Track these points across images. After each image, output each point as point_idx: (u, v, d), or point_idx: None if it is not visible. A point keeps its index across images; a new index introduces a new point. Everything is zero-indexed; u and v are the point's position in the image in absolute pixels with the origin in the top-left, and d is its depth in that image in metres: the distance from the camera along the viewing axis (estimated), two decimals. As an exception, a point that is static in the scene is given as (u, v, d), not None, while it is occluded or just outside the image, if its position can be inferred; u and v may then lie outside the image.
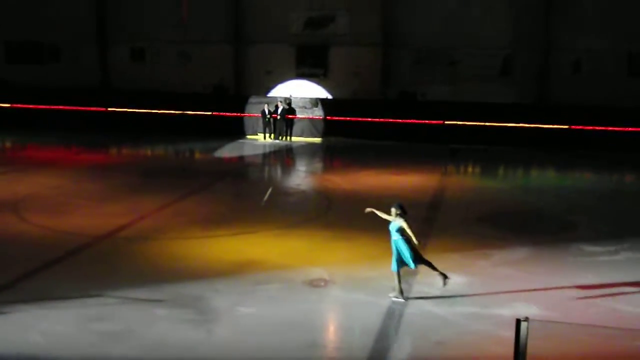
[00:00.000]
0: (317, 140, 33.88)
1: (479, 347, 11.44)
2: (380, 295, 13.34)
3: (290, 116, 33.65)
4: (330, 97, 35.00)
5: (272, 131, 33.72)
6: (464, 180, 25.77)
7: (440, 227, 18.84)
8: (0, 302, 12.70)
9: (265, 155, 30.53)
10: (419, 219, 19.41)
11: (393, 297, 13.20)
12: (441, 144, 31.64)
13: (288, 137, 33.81)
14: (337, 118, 33.98)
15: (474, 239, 17.47)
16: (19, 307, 12.51)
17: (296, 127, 34.27)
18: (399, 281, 13.22)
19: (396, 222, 13.20)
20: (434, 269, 13.51)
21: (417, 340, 11.67)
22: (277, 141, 33.39)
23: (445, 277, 13.50)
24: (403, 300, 13.15)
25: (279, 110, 33.34)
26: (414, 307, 12.91)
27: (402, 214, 13.30)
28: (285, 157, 30.50)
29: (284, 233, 17.86)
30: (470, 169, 28.21)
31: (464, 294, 13.64)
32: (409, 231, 13.06)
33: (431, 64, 34.49)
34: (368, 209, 13.74)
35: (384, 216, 13.45)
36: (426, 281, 14.07)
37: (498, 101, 32.95)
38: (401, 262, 13.23)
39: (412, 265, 13.23)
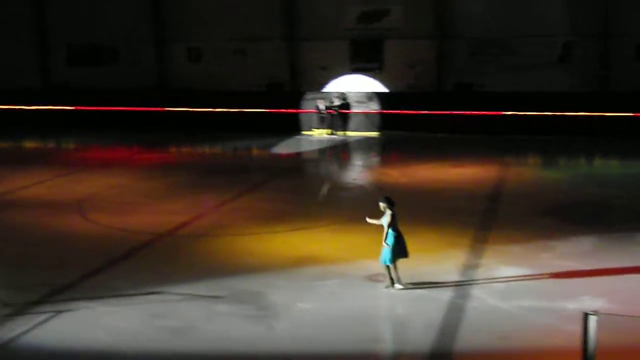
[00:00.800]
0: (374, 134, 33.71)
1: (544, 341, 11.16)
2: (440, 289, 13.15)
3: (345, 111, 33.56)
4: (386, 90, 34.77)
5: (328, 126, 33.69)
6: (525, 171, 25.33)
7: (502, 219, 18.56)
8: (67, 300, 12.89)
9: (321, 151, 30.49)
10: (480, 211, 19.19)
11: (393, 288, 13.17)
12: (500, 135, 31.18)
13: (344, 132, 33.74)
14: (393, 111, 33.77)
15: (537, 230, 17.12)
16: (84, 304, 12.67)
17: (352, 122, 34.18)
18: (391, 271, 13.15)
19: (385, 216, 13.08)
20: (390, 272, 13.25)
21: (481, 334, 11.43)
22: (332, 136, 33.34)
23: (392, 284, 13.21)
24: (401, 286, 13.08)
25: (334, 106, 33.28)
26: (476, 301, 12.69)
27: (390, 207, 13.13)
28: (341, 151, 30.41)
29: (341, 228, 17.77)
30: (530, 160, 27.73)
31: (528, 288, 13.38)
32: (385, 223, 12.98)
33: (488, 54, 33.99)
34: (367, 220, 13.51)
35: (377, 222, 13.25)
36: (488, 275, 13.87)
37: (557, 90, 32.34)
38: (397, 254, 13.09)
39: (386, 261, 13.09)
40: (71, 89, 38.43)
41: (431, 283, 13.55)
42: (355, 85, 35.17)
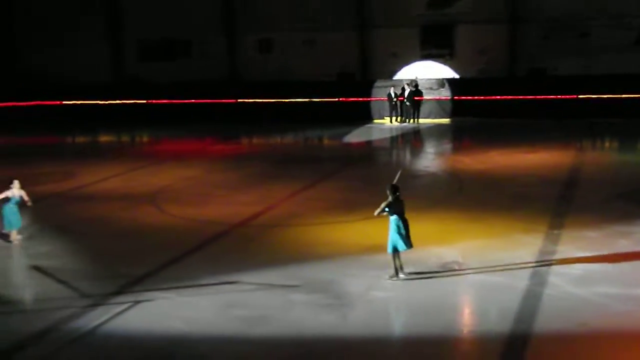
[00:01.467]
0: (445, 121, 33.41)
1: (623, 328, 10.93)
2: (516, 277, 12.95)
3: (417, 98, 33.33)
4: (457, 76, 34.40)
5: (399, 114, 33.51)
6: (601, 156, 24.79)
7: (578, 205, 18.21)
8: (144, 290, 13.16)
9: (393, 139, 30.35)
10: (555, 197, 18.85)
11: (397, 278, 13.09)
12: (574, 119, 30.54)
13: (415, 120, 33.52)
14: (464, 98, 33.40)
15: (615, 216, 16.74)
16: (161, 294, 12.91)
17: (423, 109, 33.94)
18: (395, 260, 13.13)
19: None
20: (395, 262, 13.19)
21: (559, 321, 11.23)
22: (404, 124, 33.16)
23: (397, 274, 13.10)
24: (404, 276, 13.03)
25: (406, 93, 33.08)
26: (553, 288, 12.47)
27: (392, 194, 13.09)
28: (413, 139, 30.23)
29: (415, 216, 17.54)
30: (607, 144, 27.10)
31: (605, 274, 13.09)
32: (379, 209, 13.04)
33: (561, 37, 33.32)
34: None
35: (379, 209, 13.19)
36: (564, 262, 13.62)
37: (634, 72, 31.46)
38: (401, 240, 13.00)
39: (390, 249, 13.08)
40: (144, 83, 39.18)
41: (506, 270, 13.39)
42: (426, 72, 34.89)
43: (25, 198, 16.42)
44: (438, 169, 23.22)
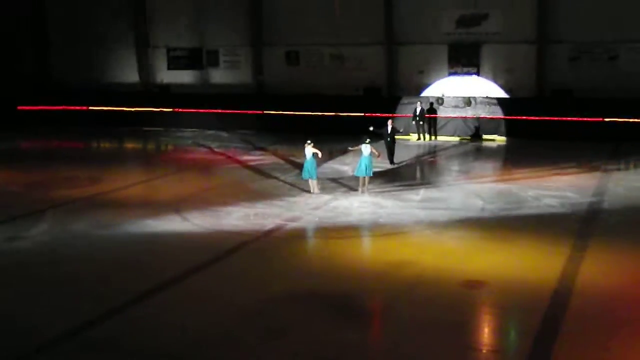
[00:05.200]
0: (471, 139, 33.30)
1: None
2: (538, 299, 12.88)
3: (429, 115, 33.38)
4: (483, 95, 34.31)
5: (424, 131, 33.51)
6: (627, 178, 24.53)
7: (603, 227, 18.16)
8: (167, 299, 13.26)
9: (417, 156, 30.26)
10: (580, 218, 18.75)
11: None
12: (601, 141, 30.33)
13: (433, 137, 33.58)
14: (490, 117, 33.31)
15: (640, 240, 16.63)
16: (180, 303, 13.01)
17: (449, 126, 33.87)
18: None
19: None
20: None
21: (580, 346, 11.17)
22: (419, 141, 33.15)
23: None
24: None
25: (418, 110, 33.02)
26: (575, 311, 12.40)
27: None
28: (434, 157, 30.09)
29: (438, 233, 17.64)
30: (632, 166, 26.84)
31: (632, 298, 12.97)
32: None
33: (589, 59, 33.15)
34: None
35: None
36: (588, 285, 13.52)
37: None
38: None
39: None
40: (172, 92, 39.47)
41: (528, 291, 13.32)
42: (452, 90, 34.84)
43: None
44: (461, 188, 23.12)
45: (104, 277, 14.57)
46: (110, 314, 12.53)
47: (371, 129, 23.69)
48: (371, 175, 22.05)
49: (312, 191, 21.71)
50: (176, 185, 23.88)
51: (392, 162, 26.44)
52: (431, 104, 33.80)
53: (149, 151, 34.92)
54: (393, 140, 26.35)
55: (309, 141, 21.74)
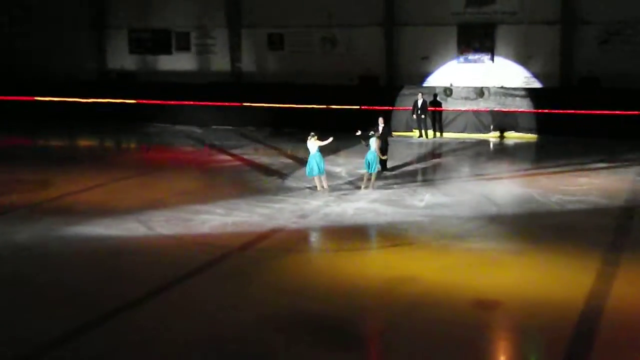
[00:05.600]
0: (484, 136, 33.33)
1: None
2: (563, 323, 12.83)
3: (431, 109, 33.38)
4: (498, 85, 34.35)
5: (426, 127, 33.47)
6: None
7: (637, 239, 18.14)
8: (131, 318, 13.17)
9: (420, 155, 30.21)
10: (610, 228, 18.76)
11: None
12: (635, 138, 30.38)
13: (438, 133, 33.60)
14: (506, 110, 33.33)
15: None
16: (144, 323, 12.92)
17: (458, 121, 33.88)
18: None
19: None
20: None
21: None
22: (420, 139, 33.16)
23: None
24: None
25: (419, 103, 32.99)
26: (606, 335, 12.37)
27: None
28: (440, 156, 30.05)
29: (445, 245, 17.61)
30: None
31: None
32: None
33: (621, 42, 33.19)
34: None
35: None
36: (618, 304, 13.50)
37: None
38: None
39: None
40: (135, 81, 39.38)
41: (551, 311, 13.28)
42: (462, 79, 34.84)
43: None
44: (472, 193, 23.10)
45: (40, 308, 14.26)
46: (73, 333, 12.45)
47: (358, 133, 23.92)
48: (375, 171, 22.95)
49: (318, 189, 22.71)
50: (140, 190, 23.77)
51: (384, 167, 25.46)
52: (435, 95, 33.78)
53: (107, 149, 34.79)
54: (386, 142, 25.73)
55: (312, 133, 22.61)
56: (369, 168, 22.79)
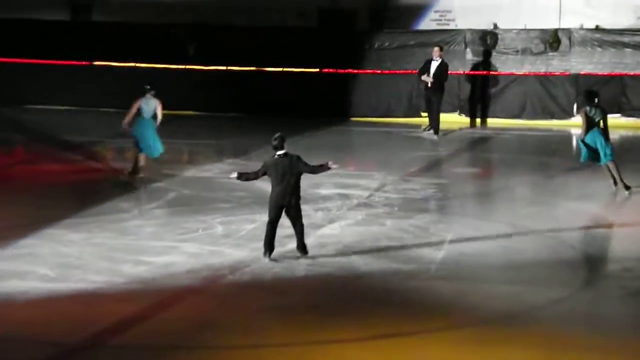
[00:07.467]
0: (561, 124, 34.00)
1: None
2: None
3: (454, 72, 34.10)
4: (588, 25, 35.05)
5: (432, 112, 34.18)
6: None
7: None
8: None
9: (433, 160, 30.81)
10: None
11: None
12: None
13: (477, 119, 34.38)
14: (605, 74, 34.02)
15: None
16: None
17: (510, 97, 34.48)
18: None
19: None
20: None
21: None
22: (425, 132, 33.93)
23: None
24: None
25: (433, 68, 33.58)
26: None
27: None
28: (477, 165, 30.68)
29: (467, 336, 17.57)
30: None
31: None
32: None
33: None
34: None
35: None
36: None
37: None
38: None
39: None
40: None
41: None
42: (516, 17, 35.50)
43: None
44: (537, 233, 23.65)
45: None
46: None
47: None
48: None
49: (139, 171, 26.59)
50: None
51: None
52: (470, 49, 34.41)
53: None
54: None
55: (147, 87, 26.42)
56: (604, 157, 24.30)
